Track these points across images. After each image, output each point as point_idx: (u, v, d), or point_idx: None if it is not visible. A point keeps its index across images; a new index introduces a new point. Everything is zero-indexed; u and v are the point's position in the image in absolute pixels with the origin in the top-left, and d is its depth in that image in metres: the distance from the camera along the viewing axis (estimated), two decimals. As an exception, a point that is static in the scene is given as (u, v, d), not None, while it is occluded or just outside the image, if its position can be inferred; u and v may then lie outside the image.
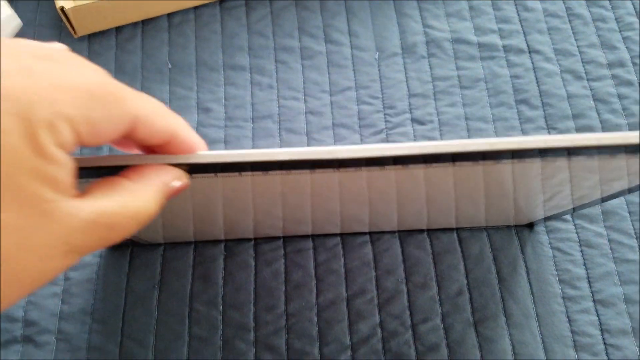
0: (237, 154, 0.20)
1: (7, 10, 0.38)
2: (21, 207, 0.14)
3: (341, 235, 0.34)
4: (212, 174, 0.21)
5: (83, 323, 0.31)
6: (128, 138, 0.20)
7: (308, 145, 0.36)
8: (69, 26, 0.38)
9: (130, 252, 0.33)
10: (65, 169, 0.15)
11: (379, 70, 0.39)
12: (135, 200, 0.17)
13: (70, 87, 0.15)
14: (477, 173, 0.24)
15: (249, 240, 0.34)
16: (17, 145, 0.14)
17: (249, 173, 0.22)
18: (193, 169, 0.20)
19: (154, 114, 0.18)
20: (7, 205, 0.14)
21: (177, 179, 0.19)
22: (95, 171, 0.19)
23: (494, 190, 0.27)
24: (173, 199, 0.25)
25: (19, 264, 0.14)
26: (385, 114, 0.37)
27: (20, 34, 0.39)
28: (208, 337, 0.31)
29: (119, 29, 0.39)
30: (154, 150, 0.20)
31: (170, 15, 0.40)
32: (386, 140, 0.37)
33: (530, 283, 0.33)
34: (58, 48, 0.17)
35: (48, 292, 0.31)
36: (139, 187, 0.18)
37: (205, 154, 0.20)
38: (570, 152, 0.21)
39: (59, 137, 0.14)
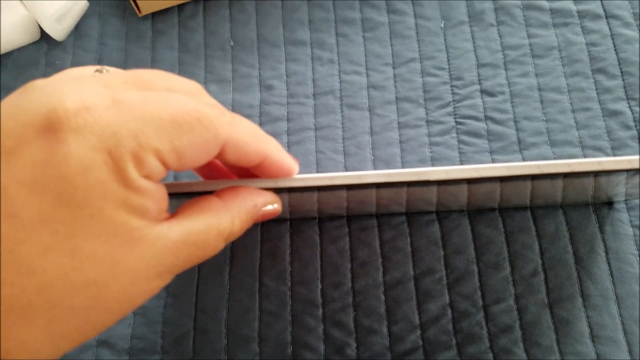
0: (328, 177, 0.19)
1: (74, -8, 0.37)
2: (110, 237, 0.13)
3: (406, 214, 0.31)
4: (298, 193, 0.20)
5: (159, 297, 0.30)
6: (213, 163, 0.19)
7: (370, 120, 0.34)
8: (133, 5, 0.36)
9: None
10: (152, 197, 0.15)
11: (445, 39, 0.35)
12: (221, 220, 0.17)
13: (156, 117, 0.14)
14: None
15: (313, 218, 0.32)
16: (104, 179, 0.13)
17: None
18: (280, 190, 0.19)
19: (245, 137, 0.17)
20: (96, 236, 0.13)
21: (269, 203, 0.19)
22: (188, 195, 0.19)
23: (573, 178, 0.24)
24: None
25: (111, 291, 0.14)
26: (452, 86, 0.34)
27: (87, 13, 0.38)
28: (278, 311, 0.30)
29: (181, 7, 0.38)
30: (245, 170, 0.19)
31: (230, -9, 0.38)
32: (453, 114, 0.33)
33: (609, 263, 0.30)
34: (152, 72, 0.16)
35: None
36: (228, 208, 0.17)
37: (295, 178, 0.19)
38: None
39: (145, 169, 0.14)
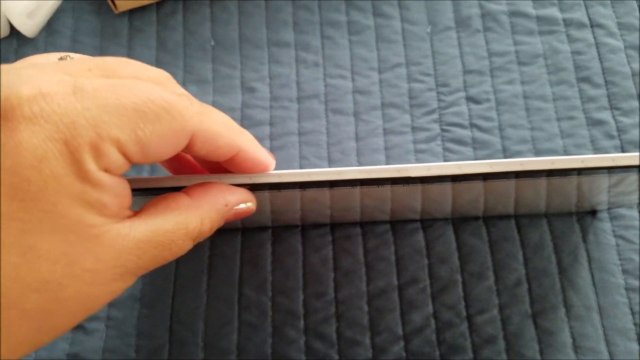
0: (306, 173, 0.18)
1: (47, -15, 0.35)
2: (65, 234, 0.12)
3: (391, 221, 0.31)
4: (276, 190, 0.19)
5: (132, 309, 0.28)
6: (183, 157, 0.17)
7: (356, 126, 0.33)
8: (109, 1, 0.35)
9: (177, 236, 0.30)
10: (112, 192, 0.14)
11: (432, 45, 0.34)
12: (190, 219, 0.15)
13: (118, 106, 0.13)
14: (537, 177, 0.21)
15: (296, 226, 0.30)
16: (59, 171, 0.12)
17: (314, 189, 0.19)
18: (256, 187, 0.18)
19: (216, 129, 0.15)
20: (51, 233, 0.12)
21: (242, 202, 0.17)
22: (154, 191, 0.17)
23: (557, 182, 0.24)
24: None
25: (68, 292, 0.13)
26: (438, 93, 0.33)
27: (60, 9, 0.36)
28: (258, 323, 0.28)
29: (160, 4, 0.36)
30: (217, 165, 0.17)
31: (211, -11, 0.36)
32: (439, 121, 0.33)
33: (592, 273, 0.29)
34: (118, 60, 0.15)
35: (97, 277, 0.29)
36: (197, 206, 0.16)
37: (271, 173, 0.18)
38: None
39: (104, 161, 0.13)
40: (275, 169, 0.33)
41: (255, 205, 0.18)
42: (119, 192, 0.14)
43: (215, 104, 0.33)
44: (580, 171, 0.18)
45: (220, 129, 0.16)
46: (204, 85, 0.34)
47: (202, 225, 0.16)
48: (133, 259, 0.14)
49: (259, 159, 0.17)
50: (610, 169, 0.18)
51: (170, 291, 0.29)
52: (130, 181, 0.16)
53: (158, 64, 0.34)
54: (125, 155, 0.13)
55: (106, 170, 0.13)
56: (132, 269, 0.14)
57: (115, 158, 0.13)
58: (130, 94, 0.13)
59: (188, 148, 0.15)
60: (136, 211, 0.15)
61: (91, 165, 0.13)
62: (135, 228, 0.14)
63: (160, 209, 0.15)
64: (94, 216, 0.13)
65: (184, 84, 0.34)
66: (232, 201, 0.17)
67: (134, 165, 0.22)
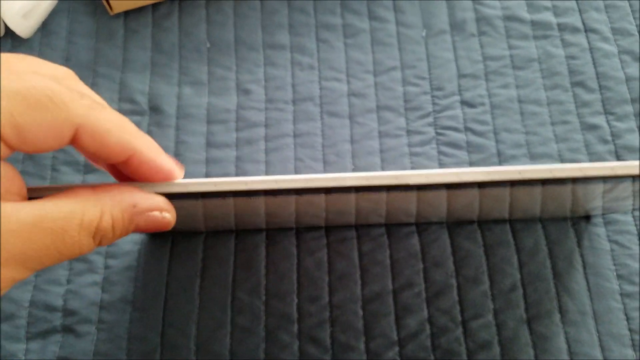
0: (299, 180, 0.17)
1: (41, -14, 0.34)
2: None
3: (386, 225, 0.30)
4: (271, 196, 0.18)
5: (124, 312, 0.28)
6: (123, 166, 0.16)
7: (351, 129, 0.33)
8: (105, 2, 0.34)
9: (171, 239, 0.30)
10: None
11: (426, 48, 0.34)
12: (86, 210, 0.14)
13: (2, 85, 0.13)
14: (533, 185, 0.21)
15: (290, 228, 0.30)
16: None
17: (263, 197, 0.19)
18: (251, 193, 0.17)
19: (106, 125, 0.15)
20: None
21: (156, 210, 0.16)
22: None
23: (552, 189, 0.23)
24: (214, 201, 0.21)
25: None
26: (432, 96, 0.33)
27: (55, 10, 0.36)
28: (251, 327, 0.28)
29: (155, 6, 0.36)
30: (122, 171, 0.17)
31: (207, -9, 0.36)
32: (434, 125, 0.32)
33: (586, 278, 0.29)
34: (16, 56, 0.15)
35: (88, 280, 0.29)
36: (98, 198, 0.15)
37: (264, 180, 0.17)
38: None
39: None
40: (270, 172, 0.32)
41: (173, 219, 0.17)
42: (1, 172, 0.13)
43: (210, 106, 0.33)
44: (577, 180, 0.18)
45: (111, 126, 0.15)
46: (199, 87, 0.33)
47: (102, 221, 0.15)
48: (17, 243, 0.13)
49: (159, 165, 0.16)
50: (608, 178, 0.18)
51: (163, 294, 0.28)
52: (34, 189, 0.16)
53: (153, 65, 0.34)
54: (1, 138, 0.13)
55: None
56: (19, 257, 0.13)
57: None
58: (14, 81, 0.13)
59: (75, 142, 0.15)
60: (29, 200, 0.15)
61: None
62: (19, 210, 0.13)
63: (55, 197, 0.14)
64: None
65: (179, 85, 0.34)
66: (142, 204, 0.16)
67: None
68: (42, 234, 0.13)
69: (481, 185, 0.18)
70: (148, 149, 0.16)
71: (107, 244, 0.16)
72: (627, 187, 0.24)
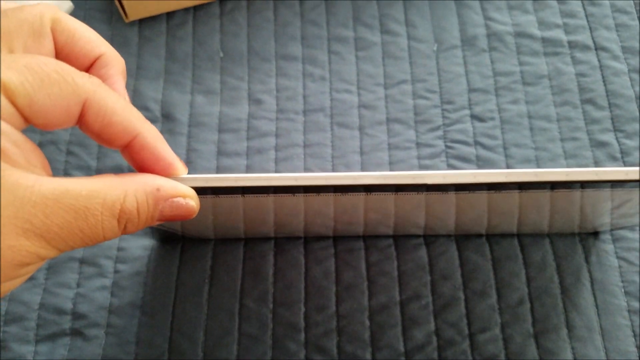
0: (320, 177, 0.18)
1: (59, -7, 0.36)
2: None
3: (394, 236, 0.31)
4: (238, 195, 0.19)
5: (132, 317, 0.29)
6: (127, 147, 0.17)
7: (360, 140, 0.34)
8: (120, 10, 0.36)
9: (181, 245, 0.30)
10: (10, 139, 0.13)
11: (437, 63, 0.35)
12: (110, 191, 0.14)
13: (8, 60, 0.13)
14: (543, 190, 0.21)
15: (298, 237, 0.31)
16: None
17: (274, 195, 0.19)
18: (276, 189, 0.18)
19: (111, 104, 0.16)
20: None
21: (180, 196, 0.16)
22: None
23: (560, 201, 0.24)
24: (222, 207, 0.22)
25: None
26: (443, 110, 0.34)
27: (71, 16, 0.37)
28: (258, 335, 0.29)
29: (170, 15, 0.37)
30: (124, 157, 0.17)
31: (222, 2, 0.37)
32: (443, 138, 0.33)
33: (594, 294, 0.30)
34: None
35: (97, 284, 0.29)
36: (122, 182, 0.15)
37: (283, 176, 0.18)
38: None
39: None
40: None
41: (197, 206, 0.17)
42: (20, 143, 0.14)
43: (222, 115, 0.34)
44: (586, 185, 0.18)
45: (117, 105, 0.16)
46: (211, 96, 0.35)
47: (126, 202, 0.15)
48: (39, 215, 0.13)
49: (161, 153, 0.17)
50: (623, 182, 0.18)
51: (171, 300, 0.29)
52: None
53: (167, 73, 0.35)
54: (14, 104, 0.13)
55: None
56: (41, 230, 0.13)
57: (5, 104, 0.13)
58: (25, 57, 0.14)
59: (81, 120, 0.15)
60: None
61: None
62: (42, 183, 0.13)
63: (80, 178, 0.14)
64: None
65: (192, 93, 0.35)
66: (166, 189, 0.16)
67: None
68: (64, 211, 0.13)
69: (494, 187, 0.18)
70: (151, 134, 0.17)
71: (133, 230, 0.16)
72: (635, 204, 0.25)
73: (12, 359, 0.28)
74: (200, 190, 0.18)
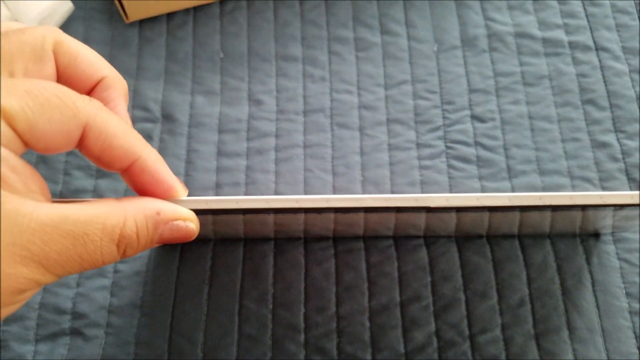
0: (321, 200, 0.18)
1: (60, -6, 0.36)
2: None
3: (394, 237, 0.31)
4: (239, 215, 0.19)
5: (132, 317, 0.29)
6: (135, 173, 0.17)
7: (361, 141, 0.34)
8: (120, 10, 0.36)
9: (180, 246, 0.31)
10: (9, 165, 0.13)
11: (438, 63, 0.36)
12: (110, 216, 0.15)
13: (9, 85, 0.13)
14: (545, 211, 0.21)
15: (298, 238, 0.31)
16: None
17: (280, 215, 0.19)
18: (276, 211, 0.18)
19: (112, 128, 0.16)
20: None
21: (180, 219, 0.17)
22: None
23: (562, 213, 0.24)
24: (224, 217, 0.22)
25: None
26: (443, 110, 0.34)
27: (71, 17, 0.37)
28: (258, 335, 0.29)
29: (170, 15, 0.37)
30: (124, 180, 0.17)
31: (222, 2, 0.38)
32: (444, 139, 0.33)
33: (595, 295, 0.30)
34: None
35: (97, 284, 0.30)
36: (123, 207, 0.15)
37: (284, 199, 0.18)
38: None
39: None
40: (280, 182, 0.33)
41: (197, 228, 0.17)
42: (19, 169, 0.14)
43: (222, 115, 0.34)
44: (588, 207, 0.19)
45: (117, 129, 0.16)
46: (211, 97, 0.35)
47: (125, 227, 0.15)
48: (37, 242, 0.13)
49: (162, 176, 0.17)
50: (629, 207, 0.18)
51: (171, 300, 0.29)
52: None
53: (167, 74, 0.35)
54: (14, 129, 0.13)
55: None
56: (39, 257, 0.13)
57: (5, 130, 0.13)
58: (25, 81, 0.14)
59: (82, 144, 0.15)
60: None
61: None
62: (40, 209, 0.13)
63: (79, 204, 0.14)
64: None
65: (192, 94, 0.35)
66: (166, 212, 0.16)
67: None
68: (63, 237, 0.13)
69: (496, 209, 0.19)
70: (152, 158, 0.17)
71: (132, 254, 0.16)
72: (635, 215, 0.25)
73: (12, 359, 0.28)
74: (200, 212, 0.18)
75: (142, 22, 0.37)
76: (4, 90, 0.13)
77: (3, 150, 0.13)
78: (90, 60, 0.17)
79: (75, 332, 0.28)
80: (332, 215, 0.23)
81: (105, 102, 0.17)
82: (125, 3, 0.35)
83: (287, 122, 0.34)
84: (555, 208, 0.19)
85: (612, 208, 0.21)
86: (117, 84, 0.18)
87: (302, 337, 0.29)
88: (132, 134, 0.16)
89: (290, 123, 0.34)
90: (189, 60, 0.36)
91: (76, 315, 0.29)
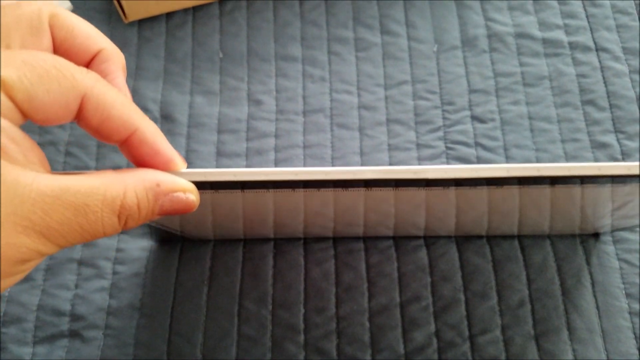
0: (320, 172, 0.18)
1: (58, -7, 0.36)
2: None
3: (394, 237, 0.31)
4: (238, 190, 0.19)
5: (131, 318, 0.29)
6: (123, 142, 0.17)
7: (360, 141, 0.34)
8: (119, 10, 0.36)
9: (180, 246, 0.31)
10: (8, 135, 0.13)
11: (438, 63, 0.36)
12: (110, 187, 0.15)
13: (8, 55, 0.14)
14: (543, 185, 0.21)
15: (298, 239, 0.31)
16: None
17: (272, 190, 0.19)
18: (275, 184, 0.18)
19: (110, 99, 0.16)
20: None
21: (179, 190, 0.17)
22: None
23: (561, 196, 0.24)
24: (222, 205, 0.22)
25: None
26: (443, 111, 0.34)
27: (70, 17, 0.37)
28: (257, 337, 0.29)
29: (169, 15, 0.37)
30: (123, 153, 0.17)
31: (222, 2, 0.38)
32: (444, 139, 0.34)
33: (595, 296, 0.30)
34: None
35: (96, 286, 0.30)
36: (122, 178, 0.15)
37: (284, 171, 0.18)
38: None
39: None
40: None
41: (197, 200, 0.17)
42: (18, 140, 0.14)
43: (221, 115, 0.34)
44: (587, 180, 0.18)
45: (115, 100, 0.16)
46: (211, 97, 0.35)
47: (126, 198, 0.15)
48: (38, 212, 0.13)
49: (160, 147, 0.17)
50: (625, 178, 0.18)
51: (170, 301, 0.29)
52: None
53: (166, 74, 0.35)
54: (13, 100, 0.14)
55: None
56: (40, 226, 0.13)
57: (4, 100, 0.13)
58: (24, 53, 0.14)
59: (80, 115, 0.15)
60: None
61: None
62: (40, 180, 0.13)
63: (79, 175, 0.15)
64: None
65: (191, 94, 0.35)
66: (166, 184, 0.16)
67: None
68: (63, 208, 0.14)
69: (495, 182, 0.18)
70: (150, 130, 0.17)
71: (134, 225, 0.16)
72: (635, 206, 0.25)
73: (10, 361, 0.28)
74: (200, 185, 0.18)
75: (141, 22, 0.37)
76: (3, 61, 0.14)
77: (3, 120, 0.13)
78: (87, 33, 0.17)
79: (73, 334, 0.28)
80: (331, 196, 0.22)
81: (103, 74, 0.17)
82: (124, 3, 0.35)
83: (286, 122, 0.34)
84: (553, 181, 0.18)
85: (611, 185, 0.21)
86: (114, 57, 0.18)
87: (301, 337, 0.29)
88: (130, 106, 0.16)
89: (290, 123, 0.34)
90: (188, 60, 0.36)
91: (75, 317, 0.29)
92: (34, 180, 0.13)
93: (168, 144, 0.17)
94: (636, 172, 0.18)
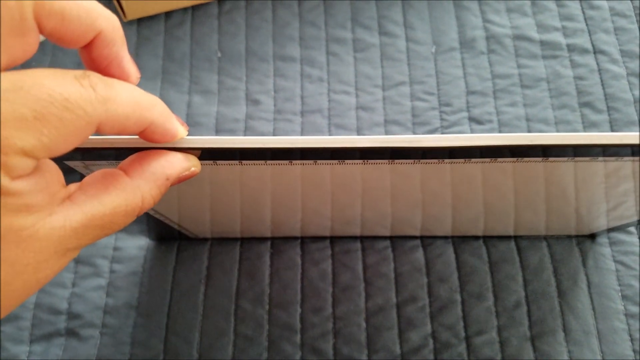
0: (253, 140, 0.18)
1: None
2: (3, 242, 0.14)
3: (391, 238, 0.32)
4: (236, 162, 0.20)
5: (128, 317, 0.29)
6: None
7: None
8: (119, 9, 0.36)
9: (177, 245, 0.31)
10: (33, 191, 0.14)
11: (435, 65, 0.36)
12: (129, 200, 0.16)
13: (17, 117, 0.14)
14: (537, 174, 0.22)
15: (295, 238, 0.31)
16: None
17: (271, 162, 0.20)
18: (207, 155, 0.19)
19: (124, 112, 0.16)
20: None
21: (184, 170, 0.18)
22: (100, 152, 0.18)
23: (555, 195, 0.25)
24: (220, 192, 0.23)
25: (13, 284, 0.14)
26: (440, 112, 0.35)
27: (69, 16, 0.37)
28: (254, 336, 0.29)
29: (168, 14, 0.37)
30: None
31: (220, 2, 0.38)
32: (441, 140, 0.34)
33: (591, 297, 0.30)
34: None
35: (93, 284, 0.30)
36: (137, 186, 0.16)
37: (221, 138, 0.18)
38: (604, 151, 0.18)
39: (15, 171, 0.14)
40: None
41: (199, 168, 0.19)
42: (41, 186, 0.14)
43: (219, 115, 0.35)
44: (580, 152, 0.18)
45: (127, 109, 0.16)
46: (209, 96, 0.35)
47: (144, 203, 0.17)
48: (73, 241, 0.15)
49: (168, 130, 0.18)
50: (618, 150, 0.18)
51: (167, 301, 0.30)
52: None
53: (164, 73, 0.36)
54: (33, 158, 0.14)
55: (20, 178, 0.14)
56: (75, 247, 0.15)
57: (25, 165, 0.14)
58: (27, 101, 0.14)
59: (97, 132, 0.16)
60: (74, 191, 0.16)
61: (4, 180, 0.13)
62: (70, 218, 0.15)
63: (98, 191, 0.16)
64: (23, 219, 0.14)
65: (189, 93, 0.35)
66: (173, 174, 0.17)
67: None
68: (92, 231, 0.15)
69: (489, 153, 0.18)
70: (162, 118, 0.17)
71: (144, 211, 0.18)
72: (630, 206, 0.25)
73: (6, 359, 0.28)
74: (200, 156, 0.19)
75: (140, 21, 0.37)
76: (17, 126, 0.14)
77: (29, 182, 0.14)
78: (78, 17, 0.16)
79: (70, 333, 0.29)
80: (328, 174, 0.22)
81: (108, 60, 0.17)
82: (123, 2, 0.35)
83: (284, 122, 0.35)
84: (545, 150, 0.18)
85: (604, 169, 0.21)
86: (116, 38, 0.17)
87: (298, 337, 0.29)
88: (140, 105, 0.16)
89: (288, 123, 0.35)
90: (186, 59, 0.36)
91: (71, 315, 0.29)
92: (65, 220, 0.15)
93: (175, 121, 0.18)
94: (632, 141, 0.17)
